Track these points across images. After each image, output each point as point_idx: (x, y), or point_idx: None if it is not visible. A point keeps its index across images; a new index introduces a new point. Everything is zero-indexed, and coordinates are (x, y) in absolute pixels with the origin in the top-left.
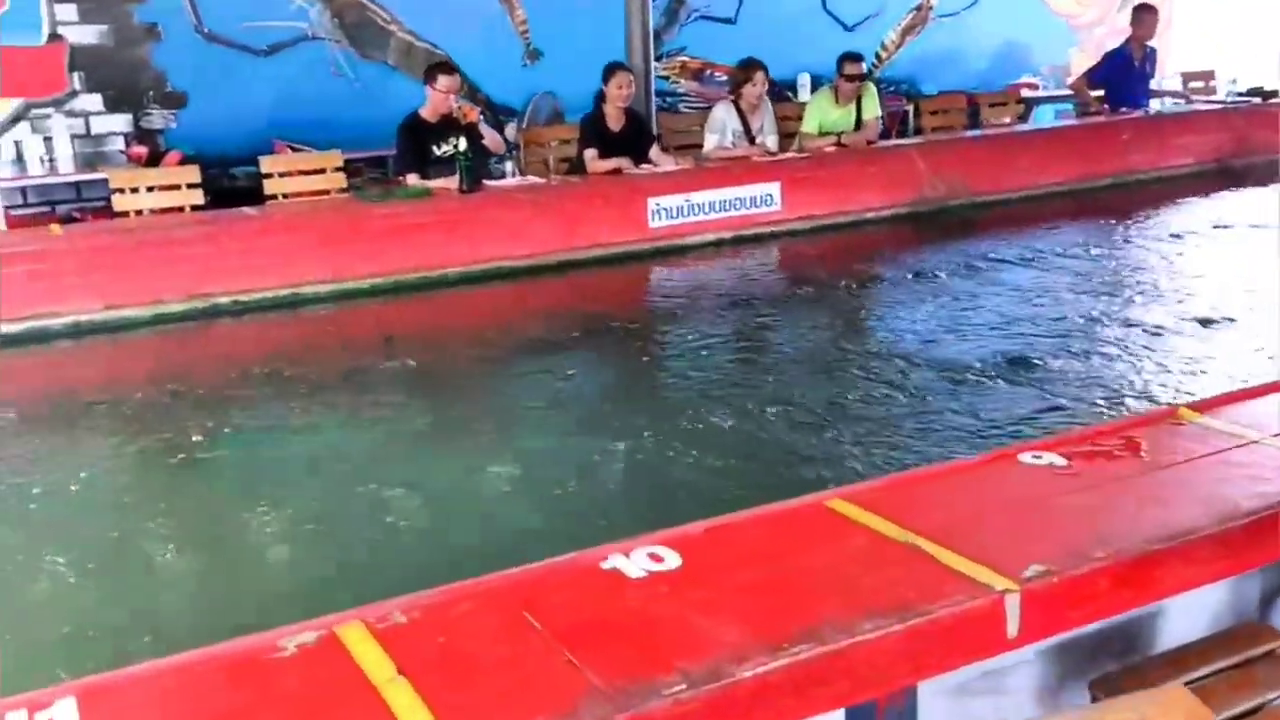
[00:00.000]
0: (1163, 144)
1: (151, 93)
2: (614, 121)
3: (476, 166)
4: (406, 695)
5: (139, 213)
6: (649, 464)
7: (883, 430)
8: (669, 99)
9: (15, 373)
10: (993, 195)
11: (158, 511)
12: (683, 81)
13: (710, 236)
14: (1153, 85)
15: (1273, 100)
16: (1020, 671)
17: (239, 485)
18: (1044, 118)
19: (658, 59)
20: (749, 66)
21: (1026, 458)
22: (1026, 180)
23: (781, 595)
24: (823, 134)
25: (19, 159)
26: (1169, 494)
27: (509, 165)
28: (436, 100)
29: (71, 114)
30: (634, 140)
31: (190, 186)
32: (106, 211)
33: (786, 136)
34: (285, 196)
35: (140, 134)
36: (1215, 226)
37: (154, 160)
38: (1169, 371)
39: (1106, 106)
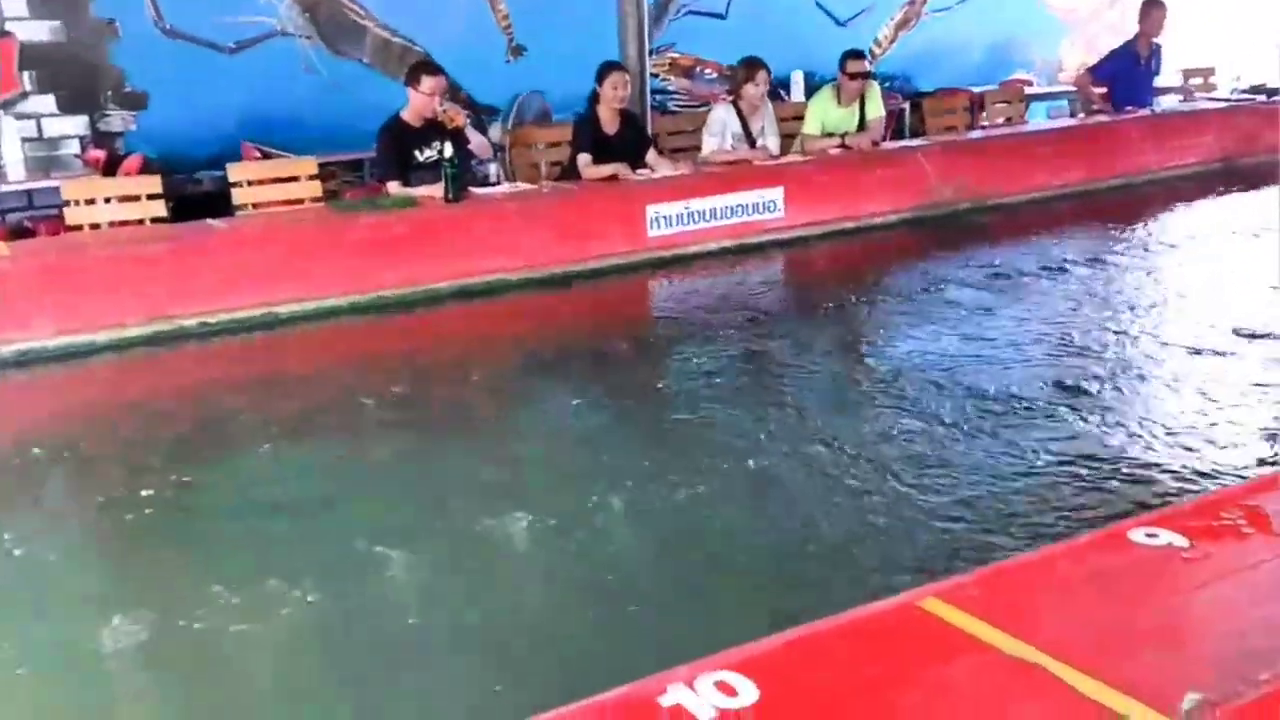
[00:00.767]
0: (1169, 144)
1: (109, 93)
2: (609, 124)
3: (463, 173)
4: None
5: (95, 226)
6: (679, 526)
7: (938, 478)
8: (658, 98)
9: None
10: (1001, 198)
11: (98, 594)
12: (673, 79)
13: (712, 245)
14: (1156, 83)
15: (1276, 98)
16: None
17: (200, 556)
18: (1034, 114)
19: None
20: (752, 65)
21: (1139, 536)
22: (1035, 182)
23: None
24: (825, 135)
25: None
26: None
27: (493, 168)
28: (420, 103)
29: (22, 116)
30: (630, 144)
31: (151, 197)
32: (60, 222)
33: (786, 137)
34: (255, 206)
35: (97, 137)
36: (1232, 232)
37: (112, 165)
38: (1233, 403)
39: (1110, 105)
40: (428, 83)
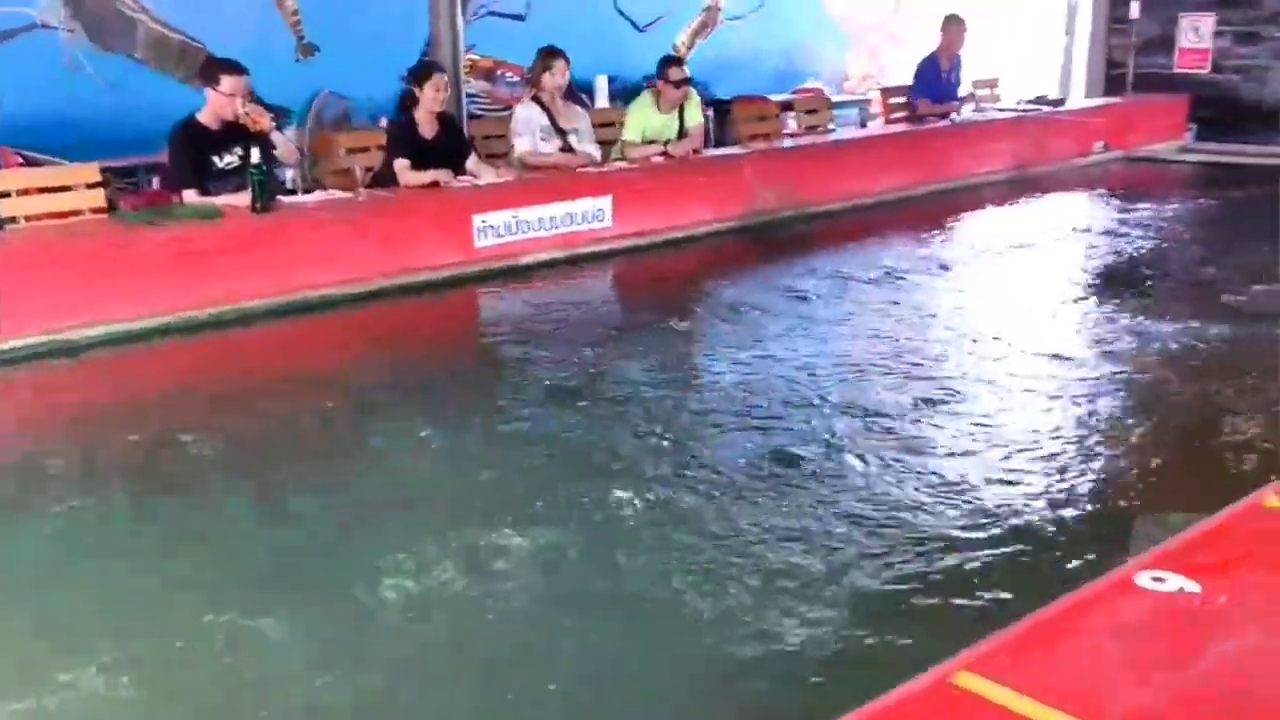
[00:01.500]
0: (973, 152)
1: None
2: (427, 128)
3: (271, 181)
4: None
5: None
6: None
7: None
8: None
9: None
10: (821, 206)
11: None
12: (473, 81)
13: (542, 256)
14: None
15: (1061, 108)
16: None
17: None
18: None
19: None
20: (549, 55)
21: (1145, 581)
22: (852, 189)
23: None
24: (646, 142)
25: None
26: None
27: (290, 174)
28: (219, 103)
29: None
30: (450, 149)
31: None
32: None
33: (604, 143)
34: (28, 219)
35: None
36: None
37: None
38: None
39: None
40: (228, 82)
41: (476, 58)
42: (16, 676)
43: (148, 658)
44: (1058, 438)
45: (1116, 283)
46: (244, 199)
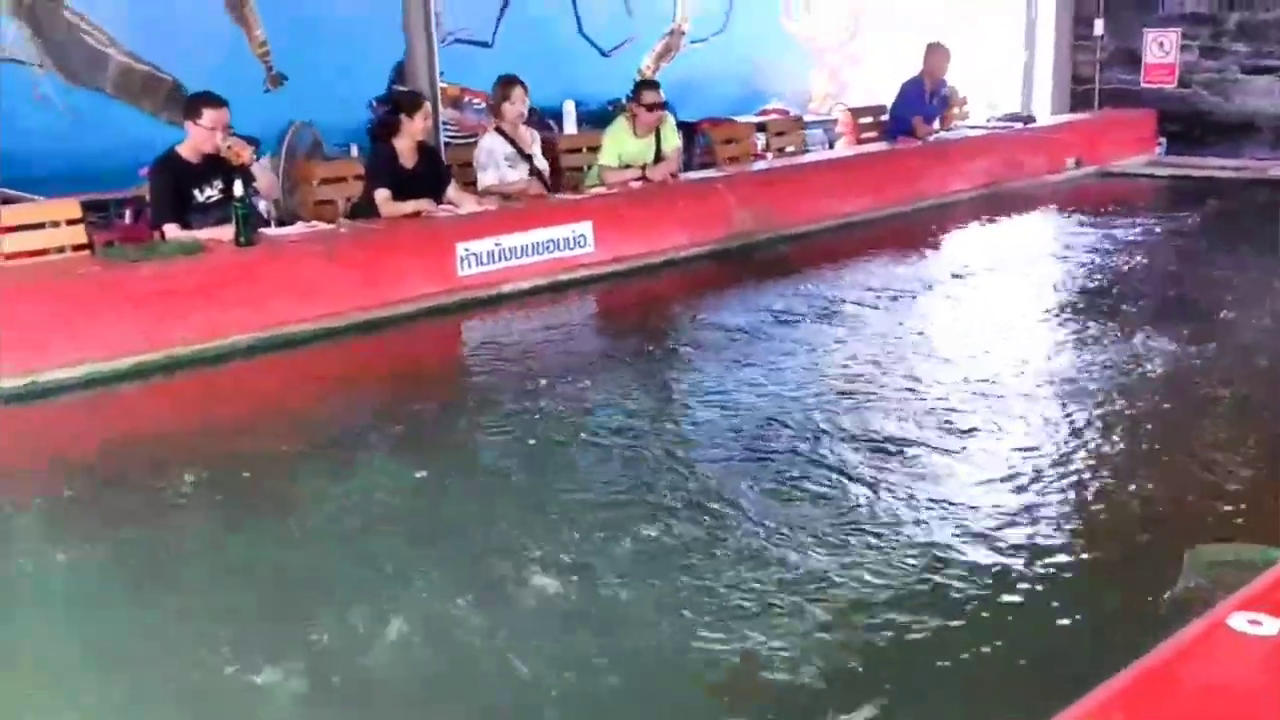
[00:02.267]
0: (947, 170)
1: None
2: (407, 158)
3: (254, 214)
4: None
5: None
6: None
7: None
8: None
9: None
10: (799, 227)
11: None
12: (441, 109)
13: (525, 284)
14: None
15: (1032, 125)
16: None
17: None
18: None
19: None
20: (508, 84)
21: (1240, 623)
22: (829, 210)
23: None
24: (623, 166)
25: None
26: None
27: (263, 205)
28: (199, 137)
29: None
30: (430, 179)
31: None
32: None
33: (575, 169)
34: (7, 258)
35: None
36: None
37: None
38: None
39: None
40: (209, 115)
41: (445, 85)
42: None
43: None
44: (1062, 463)
45: (1100, 300)
46: (226, 233)
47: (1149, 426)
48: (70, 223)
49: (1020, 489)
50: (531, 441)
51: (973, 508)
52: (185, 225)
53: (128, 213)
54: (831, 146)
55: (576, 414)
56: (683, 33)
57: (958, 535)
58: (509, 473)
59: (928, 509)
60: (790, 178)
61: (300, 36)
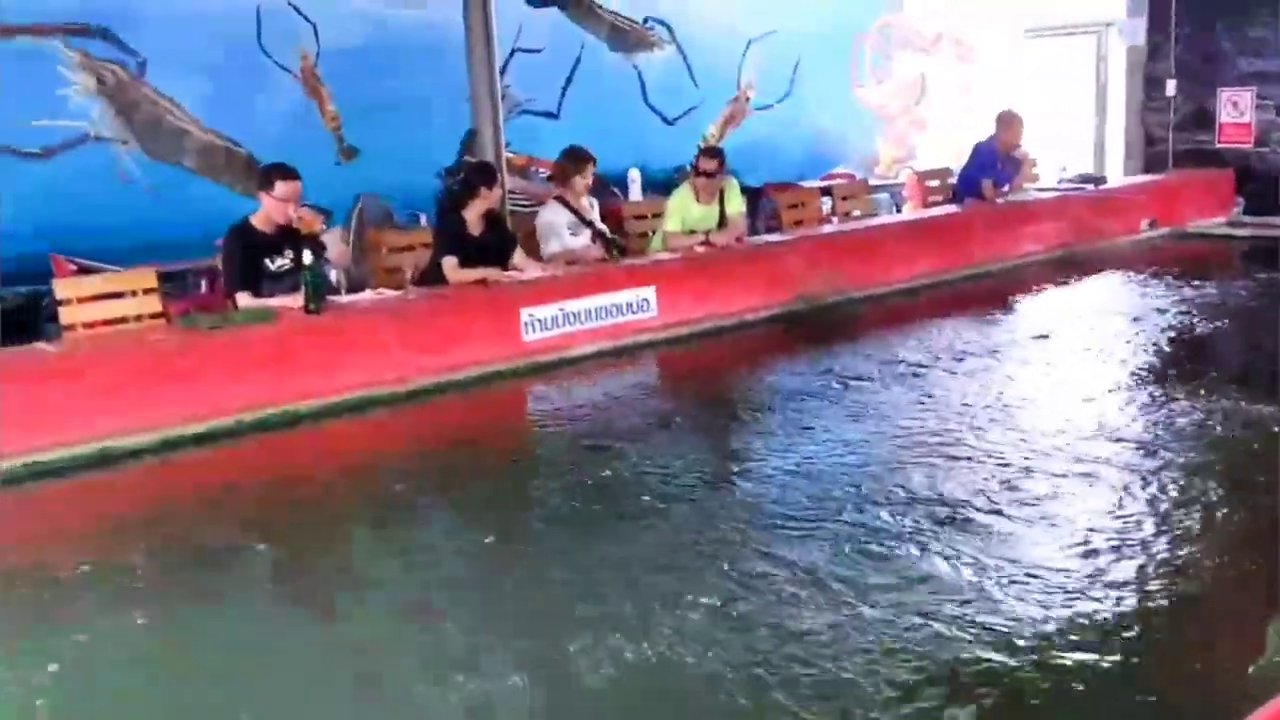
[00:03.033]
0: (1018, 233)
1: None
2: (475, 226)
3: (324, 282)
4: None
5: None
6: None
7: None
8: None
9: None
10: (867, 290)
11: None
12: (508, 178)
13: (589, 349)
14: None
15: (1103, 186)
16: None
17: None
18: None
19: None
20: (580, 159)
21: None
22: (897, 273)
23: None
24: (687, 232)
25: None
26: None
27: (334, 273)
28: (272, 208)
29: None
30: (497, 246)
31: None
32: None
33: (642, 235)
34: (85, 326)
35: None
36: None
37: None
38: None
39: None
40: (281, 187)
41: (511, 155)
42: None
43: None
44: (1139, 530)
45: (1179, 363)
46: (296, 300)
47: (1228, 493)
48: (146, 292)
49: (1094, 556)
50: (596, 506)
51: (1045, 575)
52: (257, 293)
53: (203, 282)
54: (898, 210)
55: (640, 478)
56: (747, 99)
57: (1029, 604)
58: (572, 537)
59: (1000, 577)
60: (857, 240)
61: (371, 110)
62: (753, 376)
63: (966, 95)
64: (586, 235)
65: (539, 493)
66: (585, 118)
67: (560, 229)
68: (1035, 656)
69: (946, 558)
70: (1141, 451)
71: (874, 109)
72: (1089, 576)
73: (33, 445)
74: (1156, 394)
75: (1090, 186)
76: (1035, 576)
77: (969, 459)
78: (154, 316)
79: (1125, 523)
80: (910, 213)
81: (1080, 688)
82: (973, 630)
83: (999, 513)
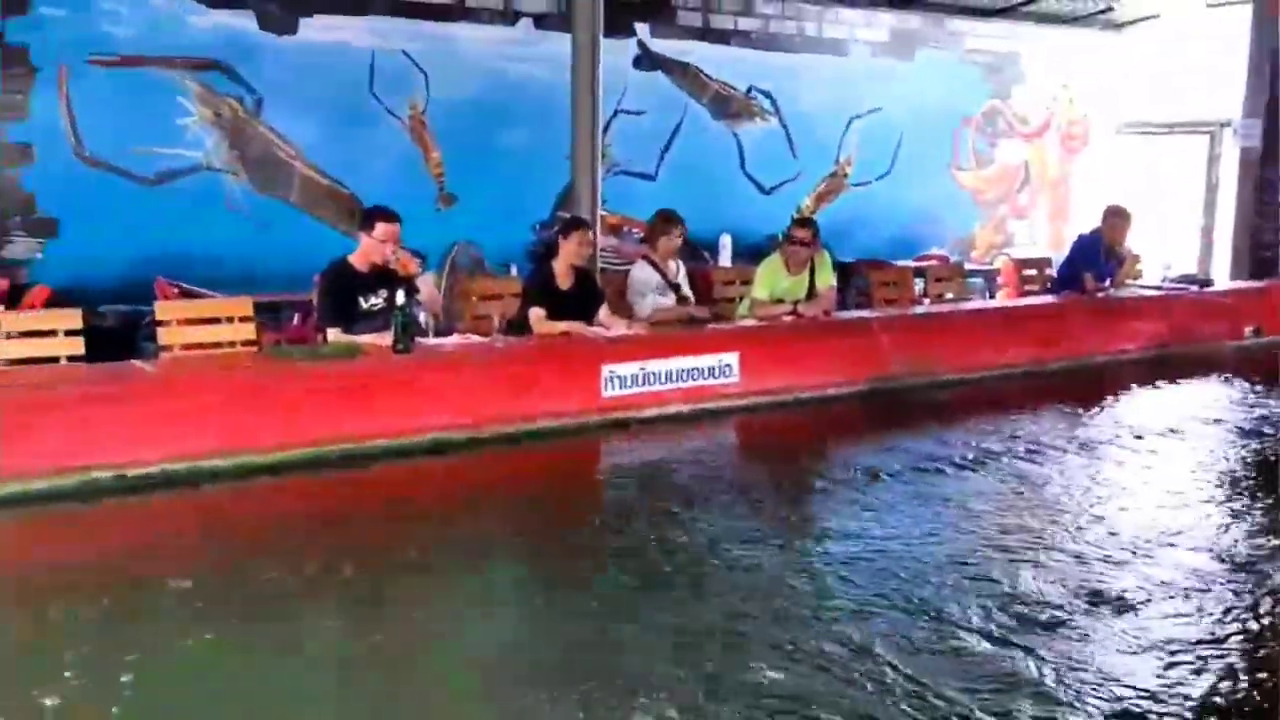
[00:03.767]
0: (1115, 329)
1: (17, 218)
2: (563, 280)
3: (414, 323)
4: None
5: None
6: None
7: None
8: None
9: None
10: (954, 375)
11: None
12: (601, 237)
13: (668, 409)
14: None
15: (1209, 289)
16: None
17: None
18: None
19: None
20: (668, 220)
21: None
22: (989, 359)
23: None
24: (775, 301)
25: None
26: None
27: (423, 316)
28: (371, 247)
29: None
30: (583, 301)
31: (70, 333)
32: None
33: (729, 301)
34: (183, 348)
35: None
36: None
37: (15, 295)
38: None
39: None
40: (382, 228)
41: (605, 214)
42: None
43: None
44: (1219, 641)
45: (1273, 475)
46: (386, 339)
47: None
48: (242, 320)
49: (1173, 664)
50: (663, 569)
51: (1119, 682)
52: (349, 330)
53: (296, 315)
54: (992, 296)
55: (709, 544)
56: (845, 175)
57: (1104, 708)
58: (635, 599)
59: (1074, 680)
60: (949, 323)
61: (473, 159)
62: (831, 451)
63: (1070, 186)
64: (672, 298)
65: (606, 550)
66: (681, 181)
67: (650, 288)
68: None
69: (1018, 656)
70: (1230, 565)
71: (973, 193)
72: (1166, 687)
73: (124, 459)
74: (1252, 507)
75: (1194, 288)
76: (1111, 680)
77: (1048, 556)
78: (246, 344)
79: (1208, 636)
80: (1005, 299)
81: None
82: None
83: (1077, 613)
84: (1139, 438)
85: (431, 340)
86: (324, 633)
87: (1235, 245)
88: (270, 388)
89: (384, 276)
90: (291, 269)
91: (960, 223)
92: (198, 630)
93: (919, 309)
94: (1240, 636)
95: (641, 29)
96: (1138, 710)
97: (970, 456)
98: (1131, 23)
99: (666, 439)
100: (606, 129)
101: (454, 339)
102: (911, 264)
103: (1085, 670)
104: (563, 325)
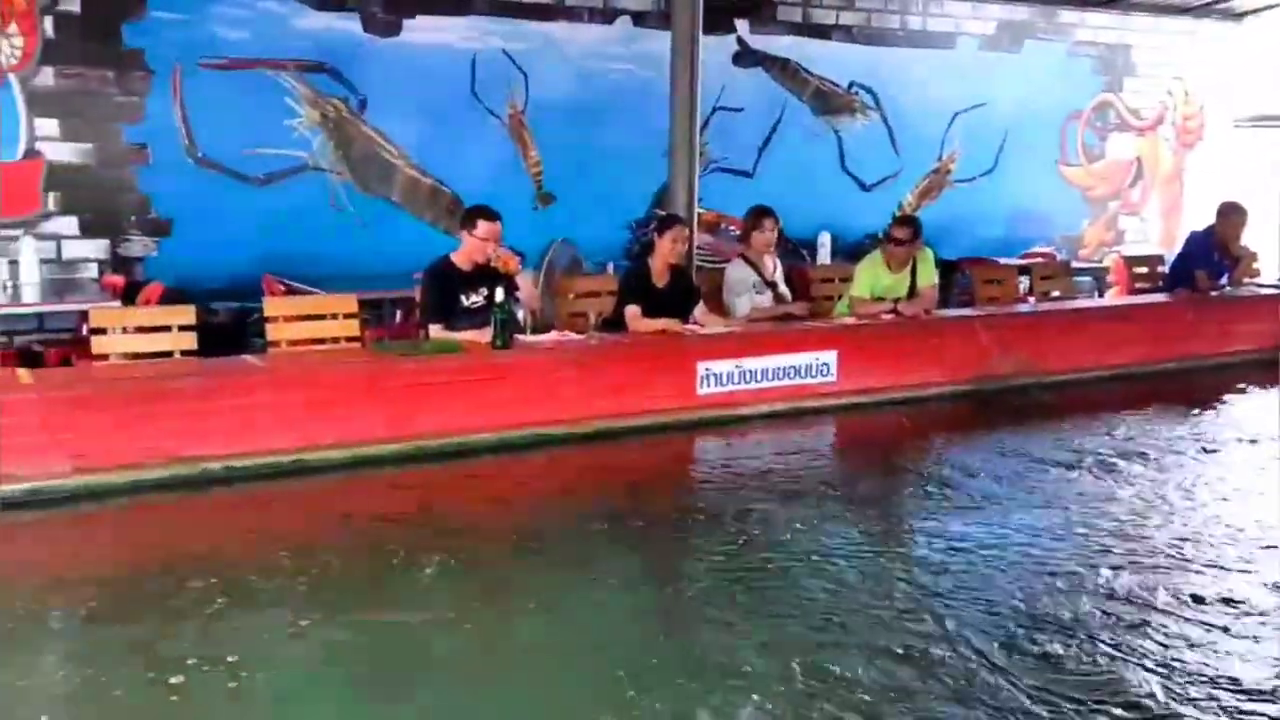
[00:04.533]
0: (1228, 329)
1: (133, 217)
2: (659, 277)
3: (513, 320)
4: None
5: (137, 356)
6: None
7: None
8: None
9: None
10: (1061, 375)
11: None
12: (698, 234)
13: (763, 408)
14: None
15: None
16: None
17: None
18: None
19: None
20: (759, 214)
21: None
22: (1097, 359)
23: None
24: (875, 299)
25: None
26: None
27: (521, 313)
28: (473, 246)
29: (42, 236)
30: (680, 299)
31: (183, 329)
32: (73, 345)
33: (827, 299)
34: (290, 344)
35: (116, 262)
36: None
37: (131, 291)
38: None
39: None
40: (484, 227)
41: (702, 211)
42: None
43: None
44: None
45: None
46: (485, 335)
47: None
48: (347, 316)
49: None
50: (755, 567)
51: (1230, 691)
52: (450, 327)
53: (398, 312)
54: (1100, 295)
55: (803, 543)
56: (948, 171)
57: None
58: (723, 596)
59: (1184, 685)
60: (1055, 322)
61: (571, 158)
62: (931, 451)
63: (1184, 182)
64: (769, 296)
65: (698, 547)
66: (780, 178)
67: (747, 286)
68: None
69: (1125, 660)
70: None
71: (1082, 189)
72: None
73: (233, 450)
74: None
75: None
76: (1223, 689)
77: (1151, 559)
78: (350, 340)
79: None
80: (1114, 298)
81: None
82: None
83: (1187, 620)
84: (1253, 442)
85: (529, 338)
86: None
87: None
88: (375, 383)
89: (485, 274)
90: (393, 267)
91: (1068, 220)
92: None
93: (1023, 307)
94: None
95: (741, 25)
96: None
97: (1073, 457)
98: (1250, 12)
99: (762, 437)
100: (704, 126)
101: (551, 336)
102: (1016, 262)
103: (1191, 676)
104: (659, 322)
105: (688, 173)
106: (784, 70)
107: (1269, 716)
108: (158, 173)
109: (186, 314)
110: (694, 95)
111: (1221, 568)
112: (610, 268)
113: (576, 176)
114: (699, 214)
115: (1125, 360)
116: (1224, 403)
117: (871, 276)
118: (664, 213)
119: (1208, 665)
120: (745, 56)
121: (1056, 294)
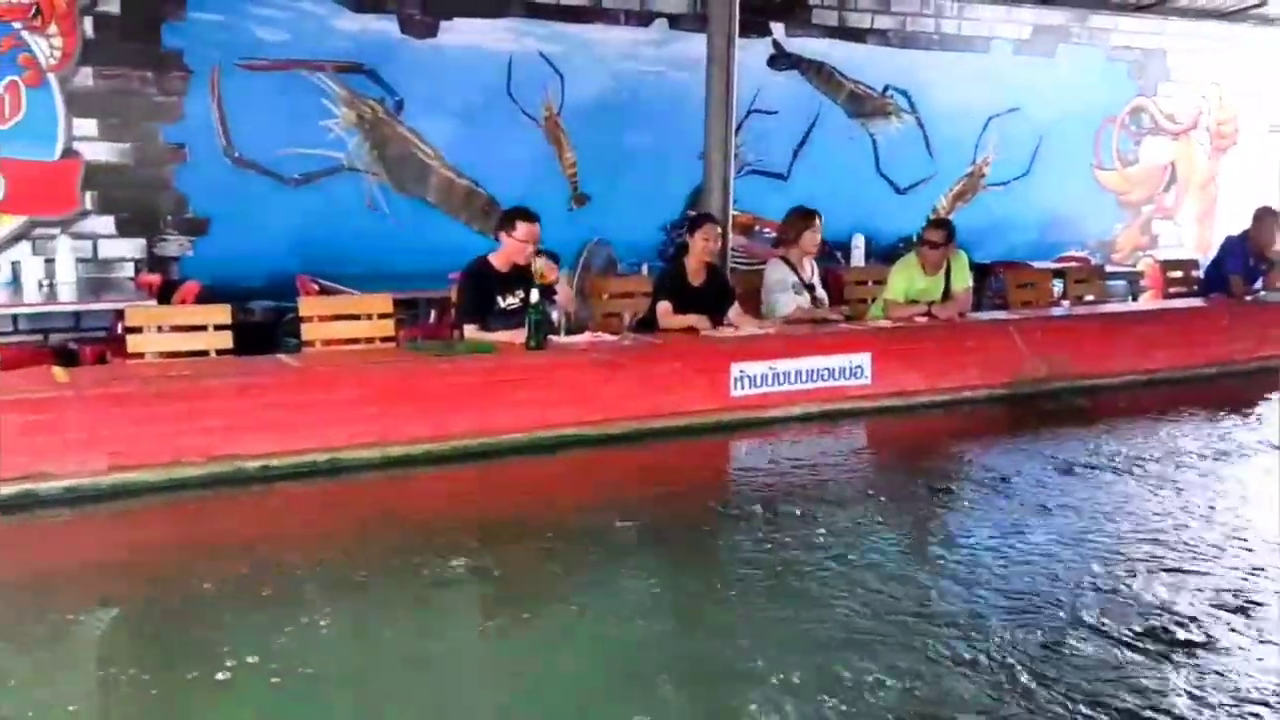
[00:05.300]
0: (1263, 334)
1: (170, 217)
2: (695, 276)
3: (547, 321)
4: None
5: (174, 355)
6: None
7: None
8: None
9: None
10: (1095, 379)
11: None
12: (731, 235)
13: (796, 410)
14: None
15: None
16: None
17: None
18: None
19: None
20: (809, 214)
21: None
22: (1129, 364)
23: None
24: (909, 302)
25: (14, 281)
26: None
27: (555, 315)
28: (511, 248)
29: (79, 235)
30: (714, 298)
31: (219, 328)
32: (108, 344)
33: (860, 301)
34: (325, 343)
35: (153, 261)
36: None
37: (167, 290)
38: None
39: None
40: (523, 229)
41: (737, 213)
42: None
43: None
44: None
45: None
46: (519, 336)
47: None
48: (381, 316)
49: None
50: (787, 570)
51: (1263, 705)
52: (484, 327)
53: (432, 312)
54: (1134, 299)
55: (836, 545)
56: (983, 175)
57: None
58: (751, 597)
59: (1209, 692)
60: (1090, 326)
61: (606, 160)
62: (965, 455)
63: (1219, 187)
64: (805, 298)
65: (730, 548)
66: (814, 181)
67: (786, 286)
68: None
69: (1153, 667)
70: None
71: (1116, 193)
72: None
73: (269, 449)
74: None
75: None
76: (1247, 700)
77: (1185, 565)
78: (385, 339)
79: None
80: (1148, 302)
81: None
82: None
83: (1223, 631)
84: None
85: (563, 338)
86: (466, 620)
87: None
88: (409, 382)
89: (521, 276)
90: (427, 267)
91: (1102, 224)
92: (350, 615)
93: (1057, 311)
94: None
95: (776, 28)
96: None
97: (1106, 462)
98: None
99: (796, 439)
100: (739, 129)
101: (585, 337)
102: (1050, 265)
103: (1222, 687)
104: (688, 319)
105: (723, 175)
106: (819, 73)
107: None
108: (195, 172)
109: (222, 313)
110: (729, 97)
111: (1254, 574)
112: (645, 269)
113: (612, 178)
114: (733, 216)
115: (1160, 365)
116: (1256, 408)
117: (906, 279)
118: (696, 212)
119: (1237, 675)
120: (780, 59)
121: (1090, 298)
